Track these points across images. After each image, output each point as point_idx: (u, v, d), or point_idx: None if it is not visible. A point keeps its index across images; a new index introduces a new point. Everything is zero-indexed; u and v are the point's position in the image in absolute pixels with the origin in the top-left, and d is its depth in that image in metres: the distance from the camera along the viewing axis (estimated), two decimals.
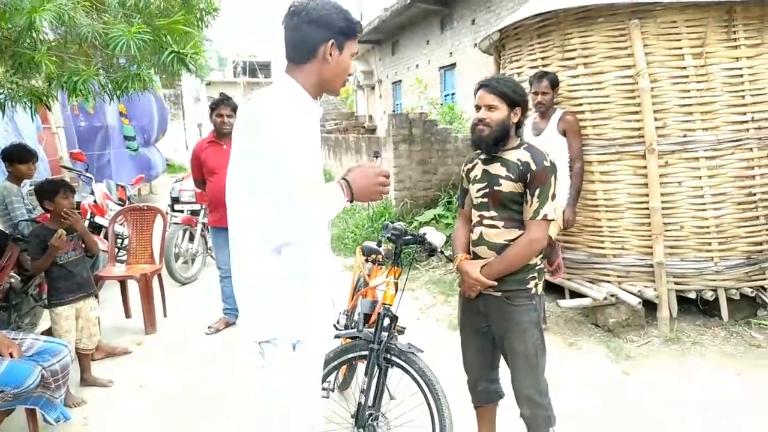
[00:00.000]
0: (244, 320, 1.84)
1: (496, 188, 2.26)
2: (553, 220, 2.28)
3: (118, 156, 10.64)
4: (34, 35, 2.30)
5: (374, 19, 15.79)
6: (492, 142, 2.25)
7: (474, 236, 2.37)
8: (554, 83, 4.13)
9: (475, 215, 2.39)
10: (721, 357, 3.74)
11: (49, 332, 3.60)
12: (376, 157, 2.26)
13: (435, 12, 13.21)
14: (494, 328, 2.36)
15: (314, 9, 1.71)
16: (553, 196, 2.23)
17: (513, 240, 2.26)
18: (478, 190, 2.34)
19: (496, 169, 2.28)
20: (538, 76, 4.16)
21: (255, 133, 1.65)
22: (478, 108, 2.28)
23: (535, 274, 2.31)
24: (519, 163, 2.22)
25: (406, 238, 2.62)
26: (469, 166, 2.44)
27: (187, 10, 2.59)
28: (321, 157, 1.95)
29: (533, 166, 2.19)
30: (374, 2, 17.41)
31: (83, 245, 3.79)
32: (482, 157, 2.35)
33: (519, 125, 2.30)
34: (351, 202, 1.75)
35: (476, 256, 2.36)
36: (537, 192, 2.19)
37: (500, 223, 2.28)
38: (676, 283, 4.13)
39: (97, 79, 2.67)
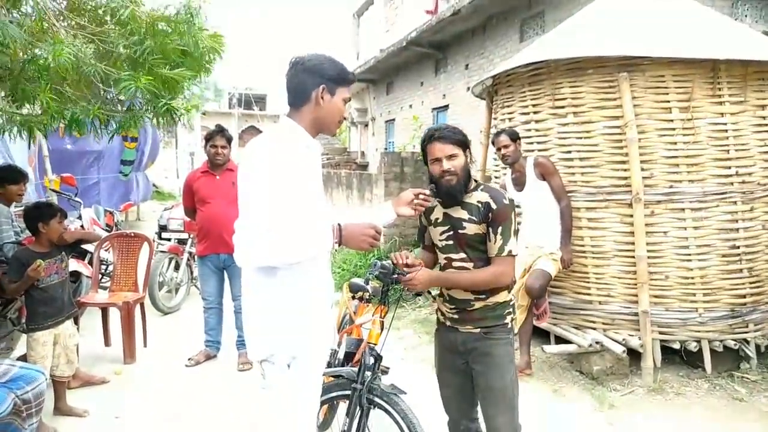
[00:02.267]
0: (247, 340, 2.02)
1: (460, 231, 2.28)
2: (516, 255, 2.29)
3: (106, 181, 10.60)
4: (40, 70, 2.36)
5: (370, 59, 16.09)
6: (463, 190, 2.26)
7: None
8: (513, 136, 4.26)
9: (441, 257, 2.40)
10: (704, 410, 3.72)
11: (25, 359, 3.52)
12: (432, 189, 2.32)
13: (429, 55, 13.50)
14: (473, 364, 2.35)
15: (309, 60, 1.98)
16: (516, 233, 2.26)
17: None
18: (442, 233, 2.35)
19: (457, 212, 2.29)
20: (496, 134, 4.38)
21: (253, 163, 1.86)
22: (436, 161, 2.25)
23: (511, 309, 2.36)
24: (480, 205, 2.24)
25: (394, 276, 2.62)
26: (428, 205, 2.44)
27: (187, 60, 2.67)
28: (320, 188, 2.07)
29: (493, 205, 2.22)
30: (371, 43, 17.79)
31: (66, 268, 3.74)
32: (441, 199, 2.35)
33: (471, 165, 2.33)
34: (339, 244, 1.93)
35: (451, 299, 2.35)
36: (499, 230, 2.21)
37: (470, 264, 2.30)
38: (661, 333, 4.14)
39: (98, 116, 2.71)
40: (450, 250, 2.34)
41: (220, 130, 4.50)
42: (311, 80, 1.95)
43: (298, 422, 1.95)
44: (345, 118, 2.13)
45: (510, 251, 2.23)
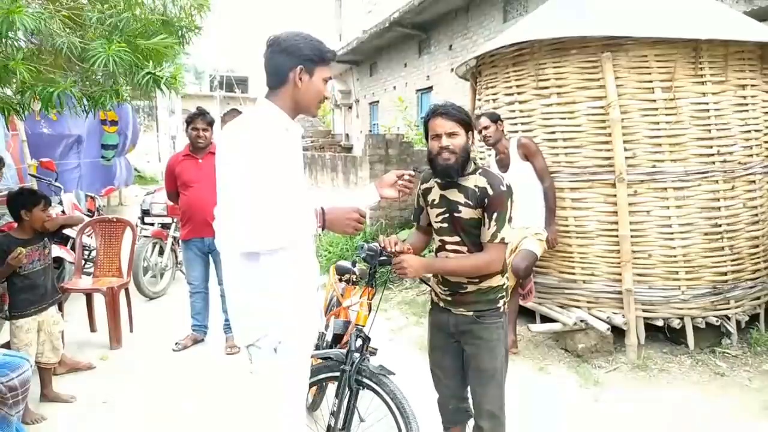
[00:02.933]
0: (233, 326, 2.03)
1: (456, 215, 2.26)
2: (509, 243, 2.30)
3: (86, 165, 10.42)
4: (10, 42, 2.28)
5: (353, 40, 15.94)
6: (460, 170, 2.23)
7: None
8: (492, 118, 4.29)
9: (436, 240, 2.39)
10: (687, 385, 3.80)
11: (9, 346, 3.48)
12: (415, 170, 2.31)
13: (413, 36, 13.41)
14: (464, 346, 2.37)
15: (284, 39, 1.91)
16: (510, 220, 2.24)
17: None
18: (438, 215, 2.33)
19: (454, 195, 2.27)
20: (477, 116, 4.42)
21: (230, 148, 1.82)
22: (437, 137, 2.22)
23: (503, 293, 2.37)
24: (476, 189, 2.22)
25: (381, 258, 2.61)
26: (425, 186, 2.41)
27: (166, 30, 2.60)
28: (301, 171, 2.02)
29: (490, 191, 2.20)
30: (353, 24, 17.62)
31: (49, 254, 3.69)
32: (438, 180, 2.34)
33: (471, 147, 2.31)
34: (322, 229, 1.90)
35: (445, 281, 2.35)
36: (494, 216, 2.20)
37: (464, 248, 2.29)
38: (644, 311, 4.20)
39: (73, 93, 2.64)
40: (444, 232, 2.32)
41: (201, 113, 4.45)
42: (288, 61, 1.89)
43: (287, 405, 1.95)
44: (326, 98, 2.07)
45: (503, 239, 2.22)
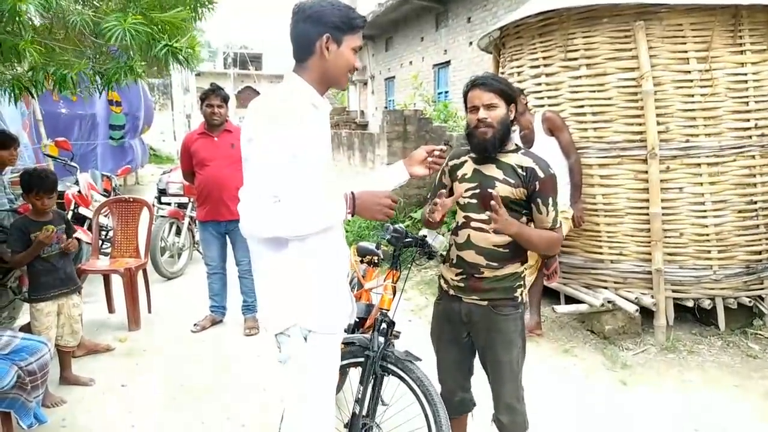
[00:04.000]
0: (262, 314, 1.91)
1: (490, 191, 2.13)
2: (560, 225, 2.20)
3: (102, 146, 10.41)
4: (19, 19, 2.18)
5: (368, 14, 15.66)
6: (498, 144, 2.11)
7: (459, 239, 2.22)
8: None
9: (460, 216, 2.24)
10: (718, 368, 3.68)
11: (28, 327, 3.45)
12: (446, 144, 2.19)
13: (430, 9, 13.13)
14: (477, 338, 2.26)
15: (310, 7, 1.75)
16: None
17: (501, 245, 2.15)
18: (467, 190, 2.20)
19: (490, 170, 2.15)
20: None
21: (257, 126, 1.69)
22: (475, 109, 2.12)
23: (522, 282, 2.23)
24: (521, 169, 2.11)
25: (407, 240, 2.51)
26: (456, 162, 2.29)
27: (180, 3, 2.49)
28: (329, 152, 1.90)
29: (541, 174, 2.09)
30: None
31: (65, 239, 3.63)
32: (473, 155, 2.22)
33: (512, 123, 2.18)
34: (352, 215, 1.76)
35: (459, 263, 2.21)
36: (550, 201, 2.10)
37: (490, 227, 2.15)
38: (674, 291, 4.06)
39: (87, 74, 2.55)
40: (472, 208, 2.19)
41: (215, 89, 4.33)
42: (314, 30, 1.74)
43: (316, 395, 1.86)
44: (357, 69, 1.92)
45: (561, 224, 2.17)
